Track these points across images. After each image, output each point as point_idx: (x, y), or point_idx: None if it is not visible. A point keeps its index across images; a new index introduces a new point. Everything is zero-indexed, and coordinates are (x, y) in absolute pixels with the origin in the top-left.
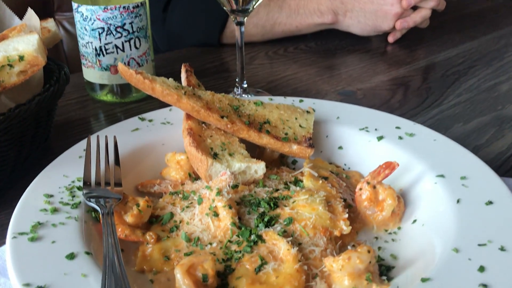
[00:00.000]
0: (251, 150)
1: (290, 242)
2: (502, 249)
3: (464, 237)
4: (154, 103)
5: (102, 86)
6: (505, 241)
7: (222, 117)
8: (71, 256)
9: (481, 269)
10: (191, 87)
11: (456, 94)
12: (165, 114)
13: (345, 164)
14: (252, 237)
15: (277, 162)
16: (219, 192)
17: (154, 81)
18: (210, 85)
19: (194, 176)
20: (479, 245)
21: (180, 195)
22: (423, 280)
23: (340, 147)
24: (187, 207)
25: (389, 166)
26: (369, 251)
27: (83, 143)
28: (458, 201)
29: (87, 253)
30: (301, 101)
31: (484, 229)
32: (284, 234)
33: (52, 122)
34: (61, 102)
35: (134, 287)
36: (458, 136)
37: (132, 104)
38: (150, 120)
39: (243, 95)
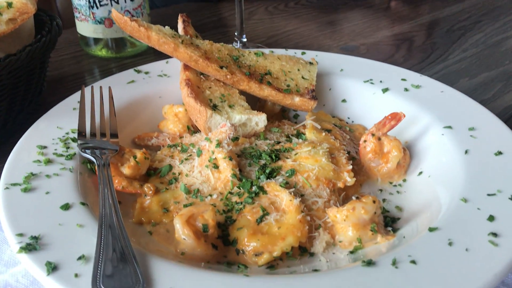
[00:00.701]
0: (251, 104)
1: (292, 193)
2: None
3: (472, 187)
4: (150, 58)
5: (96, 41)
6: None
7: (221, 67)
8: (66, 207)
9: (491, 218)
10: (188, 37)
11: (462, 49)
12: (162, 67)
13: (348, 118)
14: (254, 188)
15: (279, 116)
16: (219, 144)
17: (149, 28)
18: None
19: (192, 129)
20: (489, 195)
21: (179, 148)
22: (431, 229)
23: (344, 100)
24: (186, 159)
25: (395, 117)
26: (374, 201)
27: (77, 95)
28: (466, 152)
29: (83, 203)
30: (303, 53)
31: (493, 179)
32: (286, 185)
33: (45, 76)
34: (54, 57)
35: (132, 239)
36: (464, 90)
37: (128, 59)
38: (147, 73)
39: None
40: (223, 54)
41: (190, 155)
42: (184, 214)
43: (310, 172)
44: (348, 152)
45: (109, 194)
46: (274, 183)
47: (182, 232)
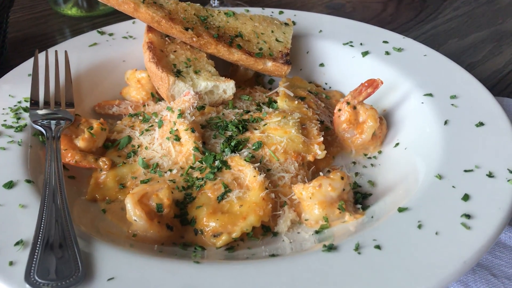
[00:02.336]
0: (223, 69)
1: (257, 168)
2: (490, 175)
3: (449, 162)
4: (124, 16)
5: None
6: (494, 167)
7: (186, 29)
8: (9, 185)
9: (466, 197)
10: None
11: (453, 7)
12: (128, 27)
13: (326, 83)
14: (216, 163)
15: (252, 82)
16: (181, 114)
17: None
18: None
19: (157, 97)
20: (465, 171)
21: (140, 118)
22: (400, 209)
23: (322, 64)
24: (147, 130)
25: (372, 84)
26: (342, 178)
27: (31, 61)
28: (445, 123)
29: (28, 181)
30: (281, 12)
31: (472, 153)
32: (252, 159)
33: (4, 37)
34: (21, 16)
35: (82, 219)
36: (452, 52)
37: (100, 18)
38: (111, 34)
39: (220, 7)
40: (189, 14)
41: (152, 126)
42: (136, 193)
43: (278, 145)
44: (322, 122)
45: (56, 169)
46: (238, 157)
47: (133, 213)
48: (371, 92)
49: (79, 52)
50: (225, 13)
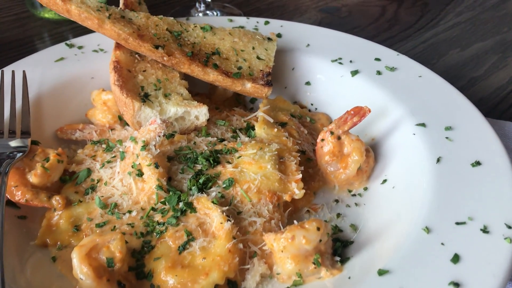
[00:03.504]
0: (201, 86)
1: (225, 213)
2: (484, 230)
3: (440, 210)
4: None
5: None
6: (489, 219)
7: (156, 47)
8: None
9: (456, 258)
10: (119, 8)
11: (456, 13)
12: (99, 39)
13: (311, 104)
14: (180, 205)
15: (232, 101)
16: (145, 146)
17: (69, 0)
18: (165, 1)
19: (125, 120)
20: (457, 223)
21: (104, 145)
22: (381, 272)
23: (308, 83)
24: (109, 162)
25: (359, 112)
26: (318, 228)
27: None
28: (438, 160)
29: None
30: (266, 23)
31: (466, 200)
32: (221, 200)
33: None
34: None
35: (27, 269)
36: (453, 65)
37: None
38: (80, 47)
39: (207, 11)
40: (161, 29)
41: (115, 157)
42: (84, 245)
43: (251, 183)
44: (303, 152)
45: None
46: (205, 199)
47: (79, 270)
48: (357, 122)
49: (43, 68)
50: (201, 28)
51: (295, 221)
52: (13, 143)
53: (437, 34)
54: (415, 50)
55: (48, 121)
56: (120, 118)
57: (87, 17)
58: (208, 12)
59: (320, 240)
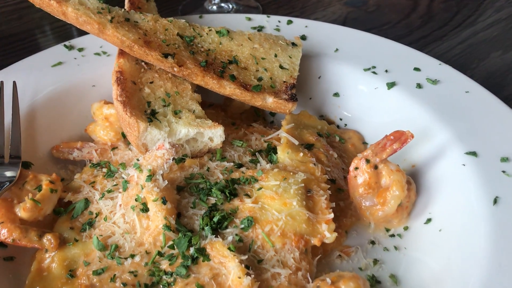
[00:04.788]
0: (215, 97)
1: (244, 263)
2: None
3: (502, 271)
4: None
5: None
6: None
7: (166, 55)
8: None
9: None
10: (124, 10)
11: (495, 8)
12: (103, 40)
13: (340, 119)
14: (191, 250)
15: (250, 114)
16: (151, 176)
17: (65, 2)
18: None
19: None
20: None
21: (105, 169)
22: None
23: (336, 94)
24: (109, 191)
25: (399, 138)
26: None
27: None
28: (495, 201)
29: None
30: (289, 22)
31: None
32: (239, 244)
33: None
34: None
35: None
36: (494, 70)
37: None
38: (81, 49)
39: (222, 4)
40: (171, 34)
41: (116, 185)
42: None
43: (274, 224)
44: (333, 181)
45: None
46: (220, 244)
47: None
48: (397, 149)
49: (38, 75)
50: (217, 32)
51: (328, 279)
52: (0, 171)
53: (475, 33)
54: (451, 52)
55: (42, 137)
56: (124, 135)
57: (86, 21)
58: (223, 4)
59: None
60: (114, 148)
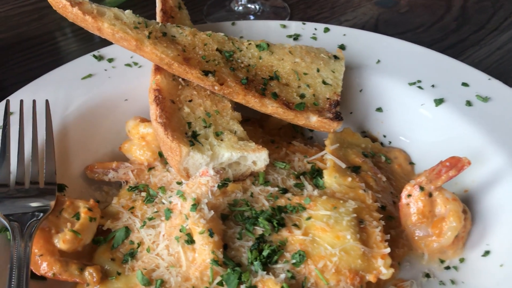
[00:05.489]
0: (252, 111)
1: None
2: None
3: None
4: (137, 11)
5: None
6: None
7: (206, 73)
8: None
9: None
10: (160, 23)
11: None
12: None
13: (384, 136)
14: None
15: (288, 129)
16: (196, 205)
17: (100, 17)
18: None
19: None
20: None
21: (144, 193)
22: None
23: (379, 109)
24: (151, 219)
25: (456, 165)
26: None
27: (2, 105)
28: None
29: None
30: (326, 30)
31: None
32: (291, 281)
33: None
34: (10, 9)
35: None
36: None
37: None
38: (110, 60)
39: (248, 4)
40: (210, 50)
41: (157, 212)
42: None
43: (327, 260)
44: (383, 207)
45: None
46: (273, 283)
47: None
48: (453, 176)
49: (67, 89)
50: (256, 46)
51: None
52: (35, 200)
53: None
54: (490, 58)
55: (75, 156)
56: (161, 154)
57: (123, 37)
58: (249, 5)
59: None
60: (151, 168)
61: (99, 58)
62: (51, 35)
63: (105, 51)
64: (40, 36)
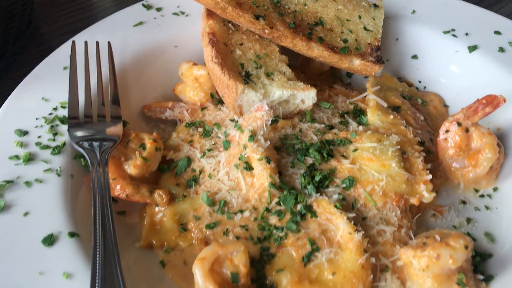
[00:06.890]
0: (291, 57)
1: (352, 220)
2: None
3: None
4: None
5: None
6: None
7: (257, 17)
8: (49, 241)
9: None
10: None
11: None
12: (179, 0)
13: (419, 81)
14: (299, 207)
15: (328, 75)
16: (253, 136)
17: None
18: None
19: (217, 97)
20: None
21: (200, 130)
22: None
23: (415, 56)
24: (209, 150)
25: (492, 102)
26: (466, 247)
27: (66, 47)
28: None
29: (72, 234)
30: None
31: None
32: (342, 202)
33: (32, 1)
34: None
35: (138, 277)
36: None
37: None
38: (159, 9)
39: None
40: None
41: (215, 144)
42: (206, 258)
43: (375, 184)
44: (422, 143)
45: (106, 214)
46: (326, 202)
47: (203, 286)
48: (489, 112)
49: (122, 35)
50: None
51: (436, 236)
52: (105, 131)
53: None
54: None
55: (133, 96)
56: (212, 95)
57: None
58: None
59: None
60: (203, 108)
61: (148, 7)
62: None
63: (152, 1)
64: None
